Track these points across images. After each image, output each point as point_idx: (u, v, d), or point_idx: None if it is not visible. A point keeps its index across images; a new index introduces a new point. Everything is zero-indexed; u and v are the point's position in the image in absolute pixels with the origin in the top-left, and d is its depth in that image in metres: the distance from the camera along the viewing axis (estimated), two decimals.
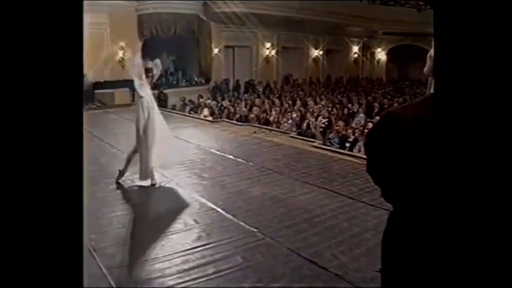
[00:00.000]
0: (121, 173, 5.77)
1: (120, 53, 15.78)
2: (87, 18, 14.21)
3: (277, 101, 14.28)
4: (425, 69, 1.88)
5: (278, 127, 10.44)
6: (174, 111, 14.02)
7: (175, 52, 18.87)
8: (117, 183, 5.74)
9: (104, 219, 4.51)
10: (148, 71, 5.55)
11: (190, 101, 15.58)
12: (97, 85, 14.35)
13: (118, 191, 5.41)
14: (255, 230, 4.22)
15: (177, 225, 4.39)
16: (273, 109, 12.34)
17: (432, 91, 1.85)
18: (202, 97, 15.67)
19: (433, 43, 1.85)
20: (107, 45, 15.44)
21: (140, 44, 16.45)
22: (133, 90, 12.05)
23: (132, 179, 5.88)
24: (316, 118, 10.57)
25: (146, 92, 5.54)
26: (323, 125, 9.95)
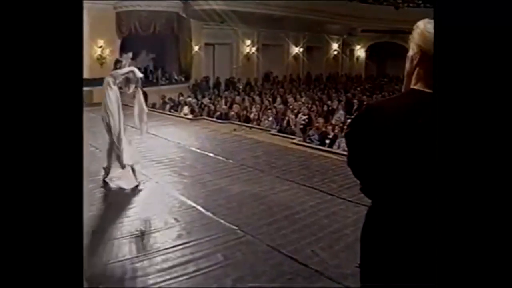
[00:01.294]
0: (106, 170, 5.75)
1: (98, 51, 15.58)
2: None
3: (257, 98, 14.29)
4: (405, 71, 1.90)
5: (259, 125, 10.45)
6: (154, 110, 13.89)
7: (155, 50, 18.71)
8: (104, 181, 5.68)
9: (84, 219, 4.45)
10: (117, 62, 5.70)
11: (170, 99, 15.46)
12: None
13: (97, 191, 5.34)
14: (236, 227, 4.22)
15: (157, 223, 4.35)
16: (253, 107, 12.34)
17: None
18: (182, 95, 15.56)
19: (411, 44, 1.86)
20: (85, 42, 15.20)
21: (118, 42, 16.34)
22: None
23: (112, 177, 5.82)
24: (296, 115, 10.60)
25: (114, 93, 5.57)
26: (303, 122, 9.98)
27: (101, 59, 15.52)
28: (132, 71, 5.65)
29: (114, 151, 5.58)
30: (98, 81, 12.92)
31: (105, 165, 5.77)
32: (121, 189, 5.41)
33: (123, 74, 5.58)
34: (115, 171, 5.67)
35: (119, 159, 5.56)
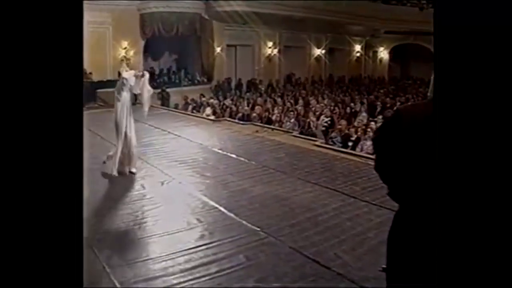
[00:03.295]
0: (113, 165, 5.99)
1: (123, 52, 15.79)
2: (88, 17, 14.24)
3: (279, 100, 14.27)
4: (429, 93, 1.89)
5: (280, 126, 10.43)
6: (177, 110, 14.05)
7: (178, 51, 18.89)
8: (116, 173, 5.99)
9: (107, 218, 4.52)
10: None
11: (193, 100, 15.58)
12: (99, 84, 14.36)
13: (121, 189, 5.41)
14: (258, 229, 4.23)
15: (180, 223, 4.39)
16: (275, 108, 12.34)
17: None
18: (204, 96, 15.67)
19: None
20: (109, 44, 15.43)
21: (142, 43, 16.55)
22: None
23: (136, 177, 5.91)
24: (318, 117, 10.57)
25: (124, 96, 5.96)
26: (325, 124, 9.94)
27: (125, 60, 15.70)
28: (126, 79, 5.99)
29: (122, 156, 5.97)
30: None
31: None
32: (144, 189, 5.46)
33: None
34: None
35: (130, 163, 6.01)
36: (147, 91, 6.25)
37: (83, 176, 2.25)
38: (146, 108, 6.48)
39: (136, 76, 5.99)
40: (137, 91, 6.14)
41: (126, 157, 6.05)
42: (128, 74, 6.01)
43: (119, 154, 5.95)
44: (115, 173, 5.90)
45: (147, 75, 6.20)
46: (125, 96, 5.97)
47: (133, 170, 6.12)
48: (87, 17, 14.29)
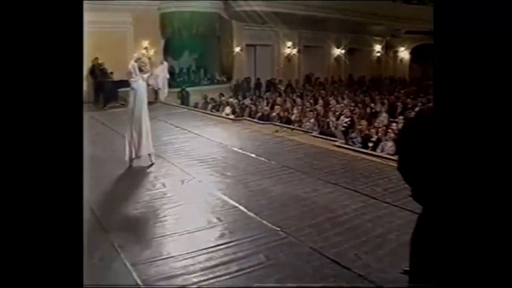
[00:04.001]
0: (130, 157, 6.44)
1: (144, 52, 15.93)
2: (109, 17, 14.41)
3: (298, 100, 14.24)
4: None
5: (300, 126, 10.41)
6: (196, 109, 14.13)
7: (197, 50, 18.99)
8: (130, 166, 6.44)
9: (129, 216, 4.57)
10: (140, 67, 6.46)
11: (212, 99, 15.66)
12: (120, 83, 14.52)
13: (143, 189, 5.47)
14: (278, 228, 4.23)
15: (201, 222, 4.41)
16: (294, 108, 12.32)
17: None
18: (223, 96, 15.73)
19: None
20: (130, 43, 15.58)
21: (162, 42, 16.67)
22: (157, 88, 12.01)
23: (157, 175, 5.97)
24: (338, 117, 10.52)
25: (138, 85, 6.38)
26: (345, 124, 9.89)
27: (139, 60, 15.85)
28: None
29: (133, 142, 6.37)
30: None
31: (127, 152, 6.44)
32: (164, 188, 5.51)
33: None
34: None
35: (139, 148, 6.37)
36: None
37: (84, 177, 2.27)
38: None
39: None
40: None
41: (137, 142, 6.39)
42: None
43: (132, 140, 6.37)
44: (130, 158, 6.39)
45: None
46: (139, 86, 6.36)
47: (140, 154, 6.46)
48: (107, 17, 14.50)
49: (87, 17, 12.39)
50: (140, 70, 6.41)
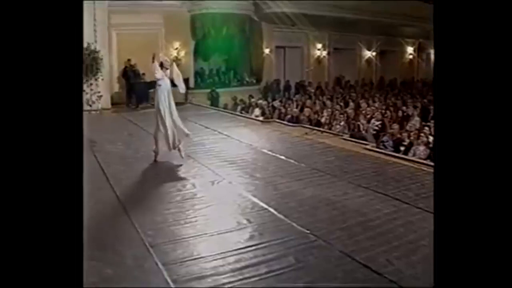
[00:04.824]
0: (156, 152, 6.87)
1: (174, 53, 16.14)
2: (141, 19, 14.66)
3: (328, 102, 14.17)
4: None
5: (330, 129, 10.37)
6: (226, 110, 14.23)
7: (227, 52, 19.05)
8: (155, 161, 6.85)
9: (159, 216, 4.63)
10: (162, 64, 6.86)
11: (241, 100, 15.74)
12: (151, 84, 14.73)
13: (174, 189, 5.54)
14: (308, 231, 4.22)
15: (230, 223, 4.45)
16: (324, 111, 12.26)
17: None
18: (253, 97, 15.79)
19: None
20: (162, 45, 15.81)
21: (193, 44, 16.87)
22: (187, 89, 12.29)
23: (187, 176, 6.04)
24: (369, 121, 10.42)
25: (164, 82, 6.75)
26: (376, 128, 9.79)
27: (176, 61, 16.02)
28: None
29: (159, 134, 6.77)
30: (173, 82, 13.39)
31: (153, 148, 6.90)
32: (195, 188, 5.57)
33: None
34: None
35: (167, 141, 6.74)
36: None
37: (83, 179, 2.29)
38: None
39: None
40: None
41: (171, 136, 6.75)
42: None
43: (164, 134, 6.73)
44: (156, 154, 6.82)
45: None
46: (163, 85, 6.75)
47: (179, 145, 6.86)
48: (138, 19, 14.76)
49: (117, 19, 12.64)
50: (162, 67, 6.81)
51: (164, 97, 6.73)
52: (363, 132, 9.82)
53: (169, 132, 6.70)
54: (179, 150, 6.85)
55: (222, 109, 14.61)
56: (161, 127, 6.73)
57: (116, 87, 15.08)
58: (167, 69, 6.84)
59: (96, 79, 13.55)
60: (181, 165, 6.62)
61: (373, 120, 10.30)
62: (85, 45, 13.18)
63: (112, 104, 14.26)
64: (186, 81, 15.41)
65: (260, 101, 14.88)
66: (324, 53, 20.52)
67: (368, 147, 7.90)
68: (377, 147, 8.20)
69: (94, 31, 13.41)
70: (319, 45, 20.33)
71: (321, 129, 10.07)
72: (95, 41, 13.45)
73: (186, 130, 6.93)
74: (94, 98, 13.49)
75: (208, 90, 16.86)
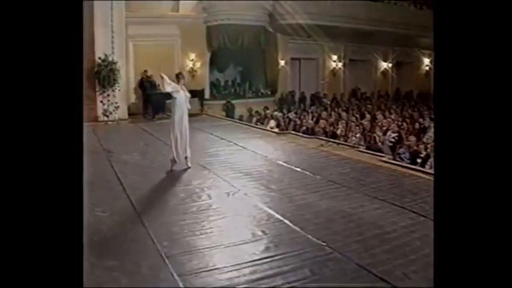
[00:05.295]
0: (173, 161, 7.12)
1: (190, 64, 16.29)
2: (156, 30, 14.82)
3: (344, 114, 14.16)
4: None
5: (346, 141, 10.35)
6: (241, 122, 14.30)
7: (242, 63, 19.23)
8: (171, 170, 7.08)
9: (175, 227, 4.67)
10: (178, 76, 7.32)
11: (257, 112, 15.80)
12: (168, 95, 14.85)
13: (190, 200, 5.58)
14: (323, 243, 4.21)
15: (246, 235, 4.46)
16: (340, 123, 12.25)
17: None
18: (268, 109, 15.85)
19: None
20: (178, 56, 15.98)
21: (208, 55, 17.00)
22: (202, 100, 12.78)
23: (203, 187, 6.07)
24: (385, 132, 10.38)
25: (179, 95, 7.09)
26: (392, 140, 9.75)
27: (192, 72, 16.18)
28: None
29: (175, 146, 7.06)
30: (189, 93, 13.41)
31: (171, 156, 7.13)
32: (210, 199, 5.60)
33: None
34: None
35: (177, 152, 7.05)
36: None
37: (83, 182, 2.32)
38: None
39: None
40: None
41: (181, 146, 7.07)
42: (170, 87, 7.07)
43: (174, 144, 7.05)
44: (177, 160, 7.09)
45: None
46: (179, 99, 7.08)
47: (187, 155, 7.19)
48: (155, 30, 14.94)
49: (134, 30, 12.77)
50: (179, 79, 7.23)
51: (178, 109, 7.05)
52: (379, 144, 9.78)
53: (178, 143, 7.02)
54: (185, 158, 7.19)
55: (238, 120, 14.68)
56: (174, 137, 7.05)
57: (133, 98, 15.24)
58: (180, 81, 7.21)
59: (113, 90, 13.72)
60: (196, 175, 6.67)
61: (389, 132, 10.25)
62: (102, 56, 13.42)
63: (129, 114, 14.43)
64: (201, 92, 15.67)
65: (275, 113, 14.94)
66: (340, 64, 20.46)
67: (384, 159, 7.86)
68: (394, 159, 8.16)
69: (111, 42, 13.61)
70: (335, 57, 20.29)
71: (336, 141, 10.05)
72: (113, 52, 13.64)
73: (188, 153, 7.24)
74: (111, 108, 13.65)
75: (224, 102, 16.97)
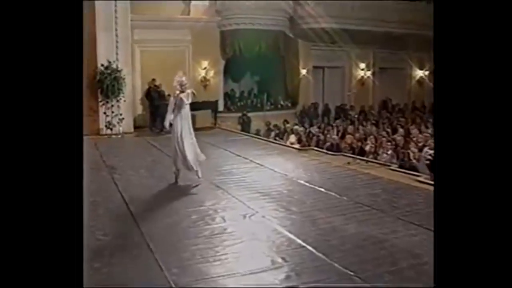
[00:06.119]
0: (176, 174, 7.59)
1: (203, 73, 16.33)
2: (166, 35, 14.92)
3: (373, 128, 14.10)
4: None
5: (375, 158, 10.30)
6: (258, 137, 14.31)
7: (259, 72, 19.26)
8: (176, 182, 7.56)
9: (186, 252, 4.67)
10: (181, 84, 7.64)
11: (275, 126, 15.82)
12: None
13: (202, 222, 5.58)
14: (352, 273, 4.17)
15: (264, 262, 4.44)
16: (368, 138, 12.20)
17: None
18: (288, 122, 15.87)
19: None
20: (189, 64, 15.94)
21: (222, 63, 17.05)
22: (215, 112, 13.01)
23: (216, 208, 6.09)
24: (421, 149, 10.30)
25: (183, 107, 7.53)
26: (429, 157, 9.65)
27: (205, 82, 16.20)
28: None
29: (179, 157, 7.45)
30: (201, 104, 13.41)
31: (174, 169, 7.61)
32: (225, 222, 5.60)
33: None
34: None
35: (186, 163, 7.43)
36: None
37: (84, 185, 2.37)
38: None
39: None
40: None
41: (180, 159, 7.46)
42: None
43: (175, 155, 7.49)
44: (175, 169, 7.58)
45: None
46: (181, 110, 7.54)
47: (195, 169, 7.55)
48: (164, 35, 15.03)
49: (141, 35, 12.96)
50: (181, 89, 7.57)
51: (180, 118, 7.55)
52: (414, 161, 9.70)
53: (186, 154, 7.40)
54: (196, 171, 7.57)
55: (254, 135, 14.70)
56: (176, 149, 7.48)
57: (140, 109, 15.30)
58: (182, 91, 7.56)
59: (117, 100, 13.77)
60: (209, 195, 6.71)
61: (426, 149, 10.15)
62: (105, 63, 13.47)
63: (135, 127, 14.50)
64: (215, 104, 15.69)
65: (296, 127, 14.95)
66: (369, 73, 20.40)
67: (420, 179, 7.79)
68: (431, 179, 8.07)
69: (115, 48, 13.71)
70: (363, 65, 20.24)
71: (365, 158, 10.02)
72: (117, 59, 13.71)
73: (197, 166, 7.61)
74: (115, 121, 13.72)
75: (239, 114, 16.97)
